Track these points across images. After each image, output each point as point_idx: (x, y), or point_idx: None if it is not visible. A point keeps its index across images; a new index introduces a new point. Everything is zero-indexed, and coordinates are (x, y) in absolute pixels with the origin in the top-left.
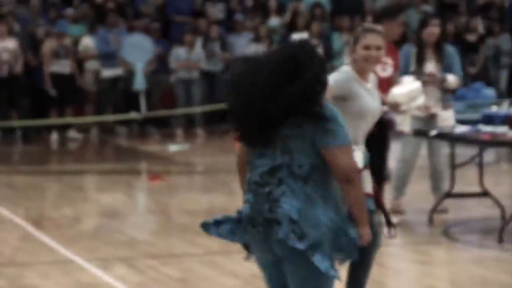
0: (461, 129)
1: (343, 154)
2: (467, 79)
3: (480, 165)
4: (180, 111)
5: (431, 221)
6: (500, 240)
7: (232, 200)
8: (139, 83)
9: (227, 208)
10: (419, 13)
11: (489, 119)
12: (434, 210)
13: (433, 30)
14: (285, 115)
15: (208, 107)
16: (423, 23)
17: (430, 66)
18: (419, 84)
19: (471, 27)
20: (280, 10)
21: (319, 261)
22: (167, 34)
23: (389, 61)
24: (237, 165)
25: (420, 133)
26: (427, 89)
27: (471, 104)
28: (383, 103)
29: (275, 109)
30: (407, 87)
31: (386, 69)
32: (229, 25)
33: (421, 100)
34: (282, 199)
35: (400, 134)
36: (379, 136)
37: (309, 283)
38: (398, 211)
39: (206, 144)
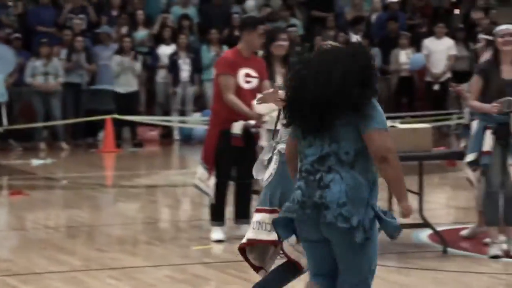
0: None
1: (380, 136)
2: None
3: None
4: (41, 124)
5: None
6: None
7: (95, 215)
8: (0, 95)
9: (90, 223)
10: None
11: None
12: None
13: (281, 44)
14: (347, 110)
15: (72, 120)
16: (272, 38)
17: (279, 80)
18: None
19: (339, 41)
20: (148, 22)
21: (363, 239)
22: (29, 45)
23: (253, 73)
24: (287, 157)
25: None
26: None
27: None
28: (248, 117)
29: (342, 105)
30: None
31: (250, 82)
32: (93, 37)
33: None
34: (332, 185)
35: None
36: (246, 150)
37: (356, 259)
38: None
39: (70, 158)
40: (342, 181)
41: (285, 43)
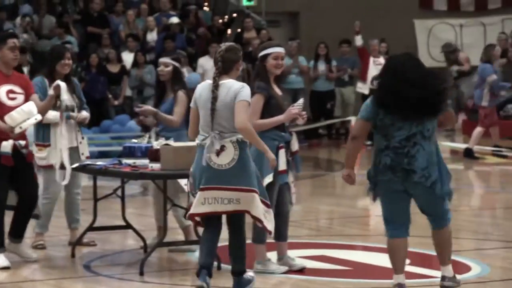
0: (103, 161)
1: (445, 114)
2: (112, 111)
3: (122, 198)
4: None
5: (73, 255)
6: (141, 273)
7: None
8: None
9: None
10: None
11: (131, 152)
12: (77, 243)
13: (66, 63)
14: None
15: None
16: (59, 56)
17: (66, 98)
18: (31, 104)
19: (111, 58)
20: None
21: (439, 190)
22: None
23: (17, 89)
24: (359, 135)
25: (63, 166)
26: (69, 125)
27: (115, 136)
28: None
29: (437, 104)
30: (19, 109)
31: (14, 98)
32: None
33: (33, 120)
34: (417, 155)
35: (45, 168)
36: (18, 170)
37: (435, 203)
38: (39, 246)
39: None
40: (424, 151)
41: (70, 62)
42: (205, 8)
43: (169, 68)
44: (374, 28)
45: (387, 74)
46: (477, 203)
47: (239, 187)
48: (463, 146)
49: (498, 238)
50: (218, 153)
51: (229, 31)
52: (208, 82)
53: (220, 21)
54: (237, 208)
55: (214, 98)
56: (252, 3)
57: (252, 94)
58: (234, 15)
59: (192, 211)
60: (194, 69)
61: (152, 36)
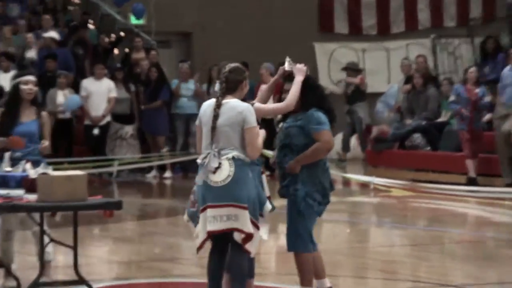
0: None
1: None
2: None
3: None
4: None
5: None
6: None
7: None
8: None
9: None
10: None
11: (4, 182)
12: None
13: None
14: None
15: None
16: None
17: None
18: None
19: None
20: None
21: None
22: None
23: None
24: (331, 147)
25: None
26: None
27: None
28: None
29: None
30: None
31: None
32: None
33: None
34: None
35: None
36: None
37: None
38: None
39: None
40: None
41: None
42: (90, 26)
43: (36, 88)
44: (271, 51)
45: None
46: (384, 239)
47: (233, 203)
48: (366, 178)
49: (405, 277)
50: (215, 171)
51: (116, 50)
52: (213, 100)
53: (107, 40)
54: (234, 225)
55: (215, 117)
56: (141, 21)
57: None
58: (122, 34)
59: (201, 236)
60: (76, 90)
61: (31, 54)
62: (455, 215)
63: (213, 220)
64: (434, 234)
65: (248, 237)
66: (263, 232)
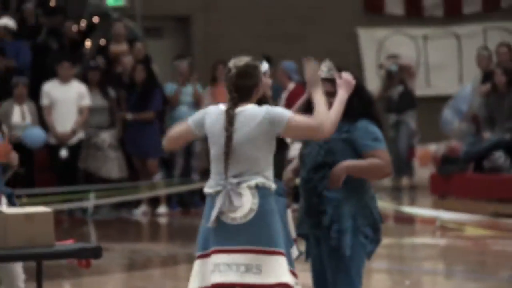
0: None
1: None
2: None
3: None
4: None
5: None
6: None
7: None
8: None
9: None
10: None
11: None
12: None
13: None
14: None
15: None
16: None
17: None
18: None
19: None
20: None
21: None
22: None
23: None
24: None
25: None
26: None
27: None
28: None
29: None
30: None
31: None
32: None
33: None
34: None
35: None
36: None
37: None
38: None
39: None
40: None
41: None
42: None
43: None
44: (299, 41)
45: None
46: None
47: (259, 248)
48: (430, 212)
49: None
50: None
51: (88, 43)
52: (222, 108)
53: (75, 28)
54: (258, 280)
55: (229, 138)
56: (121, 2)
57: None
58: (96, 20)
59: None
60: (36, 98)
61: None
62: None
63: (226, 268)
64: None
65: None
66: None
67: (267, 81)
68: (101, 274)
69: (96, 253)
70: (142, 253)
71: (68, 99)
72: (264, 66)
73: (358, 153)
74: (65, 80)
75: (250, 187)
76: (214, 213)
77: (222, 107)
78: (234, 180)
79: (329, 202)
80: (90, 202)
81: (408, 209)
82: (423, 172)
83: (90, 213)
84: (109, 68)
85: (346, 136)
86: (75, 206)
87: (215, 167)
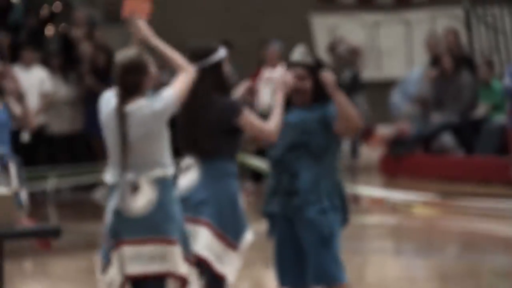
0: None
1: None
2: None
3: None
4: None
5: None
6: None
7: None
8: None
9: None
10: None
11: None
12: None
13: None
14: None
15: None
16: None
17: None
18: None
19: None
20: None
21: None
22: None
23: None
24: None
25: None
26: None
27: None
28: None
29: None
30: None
31: None
32: None
33: None
34: None
35: None
36: None
37: None
38: None
39: None
40: None
41: None
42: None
43: None
44: (254, 27)
45: None
46: (404, 272)
47: (160, 237)
48: (381, 192)
49: None
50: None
51: (49, 29)
52: (113, 103)
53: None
54: (162, 269)
55: (123, 135)
56: None
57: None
58: (56, 7)
59: (108, 281)
60: None
61: None
62: (496, 240)
63: (131, 261)
64: (470, 265)
65: (184, 283)
66: (230, 272)
67: (225, 67)
68: (61, 255)
69: (56, 233)
70: (102, 234)
71: (29, 83)
72: (222, 52)
73: (329, 134)
74: (27, 64)
75: (148, 180)
76: (113, 206)
77: (112, 101)
78: (132, 175)
79: (303, 182)
80: (50, 183)
81: (358, 189)
82: (370, 154)
83: (51, 195)
84: (69, 53)
85: (320, 115)
86: (35, 189)
87: (113, 157)
